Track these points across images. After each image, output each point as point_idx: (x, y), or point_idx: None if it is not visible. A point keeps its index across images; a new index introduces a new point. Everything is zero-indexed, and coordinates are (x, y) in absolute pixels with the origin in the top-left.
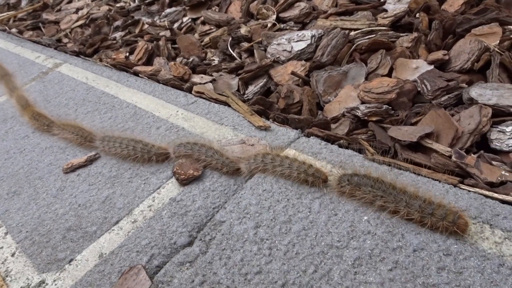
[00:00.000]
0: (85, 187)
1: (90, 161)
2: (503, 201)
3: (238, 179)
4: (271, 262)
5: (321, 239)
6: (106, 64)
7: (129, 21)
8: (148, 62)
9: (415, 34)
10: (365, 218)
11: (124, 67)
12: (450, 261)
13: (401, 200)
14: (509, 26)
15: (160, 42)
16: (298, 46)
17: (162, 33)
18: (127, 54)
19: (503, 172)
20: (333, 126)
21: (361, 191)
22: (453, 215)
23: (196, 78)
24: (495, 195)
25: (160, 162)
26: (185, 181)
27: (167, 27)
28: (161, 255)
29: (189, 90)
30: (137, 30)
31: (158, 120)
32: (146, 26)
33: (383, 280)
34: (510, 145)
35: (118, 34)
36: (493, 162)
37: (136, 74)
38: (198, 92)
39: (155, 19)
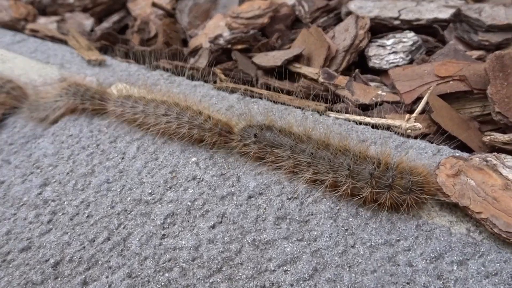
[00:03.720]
0: None
1: None
2: (375, 126)
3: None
4: (49, 232)
5: (128, 193)
6: None
7: None
8: None
9: None
10: (193, 159)
11: None
12: (294, 206)
13: (341, 167)
14: None
15: None
16: None
17: None
18: None
19: (379, 92)
20: (193, 60)
21: (273, 154)
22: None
23: (42, 20)
24: (367, 119)
25: None
26: None
27: None
28: None
29: (22, 29)
30: None
31: None
32: None
33: (198, 243)
34: (390, 61)
35: None
36: (371, 83)
37: None
38: (32, 30)
39: None
